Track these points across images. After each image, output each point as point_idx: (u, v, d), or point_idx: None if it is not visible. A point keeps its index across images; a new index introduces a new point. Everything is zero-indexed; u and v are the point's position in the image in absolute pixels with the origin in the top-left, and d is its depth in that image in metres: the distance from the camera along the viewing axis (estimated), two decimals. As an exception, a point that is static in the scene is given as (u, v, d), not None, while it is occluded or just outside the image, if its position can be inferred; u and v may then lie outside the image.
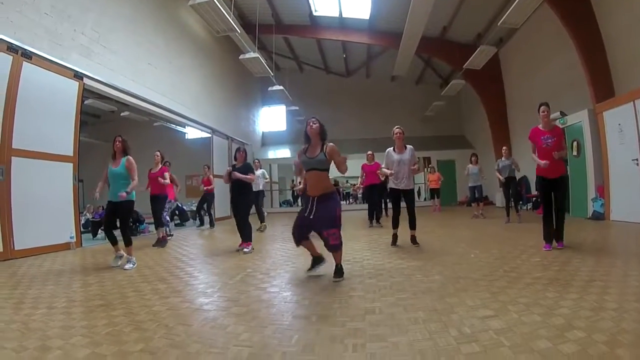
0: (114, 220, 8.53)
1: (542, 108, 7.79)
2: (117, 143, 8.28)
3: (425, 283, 5.49)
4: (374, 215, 14.58)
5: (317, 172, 6.14)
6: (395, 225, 9.30)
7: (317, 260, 6.44)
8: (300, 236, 6.30)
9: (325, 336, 3.69)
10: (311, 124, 6.30)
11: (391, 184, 9.33)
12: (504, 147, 14.64)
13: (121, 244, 8.27)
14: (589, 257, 6.83)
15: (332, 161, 6.17)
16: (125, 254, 8.27)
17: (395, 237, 9.26)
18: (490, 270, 6.11)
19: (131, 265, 7.77)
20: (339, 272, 6.08)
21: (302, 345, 3.52)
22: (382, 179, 13.88)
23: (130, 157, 8.28)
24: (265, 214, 16.79)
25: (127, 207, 8.29)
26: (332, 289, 5.43)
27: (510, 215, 13.88)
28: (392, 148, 9.28)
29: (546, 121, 7.82)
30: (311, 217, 6.02)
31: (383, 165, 9.55)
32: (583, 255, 6.95)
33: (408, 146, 9.21)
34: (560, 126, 14.68)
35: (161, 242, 11.31)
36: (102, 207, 14.58)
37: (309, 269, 6.36)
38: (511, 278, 5.49)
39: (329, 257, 6.34)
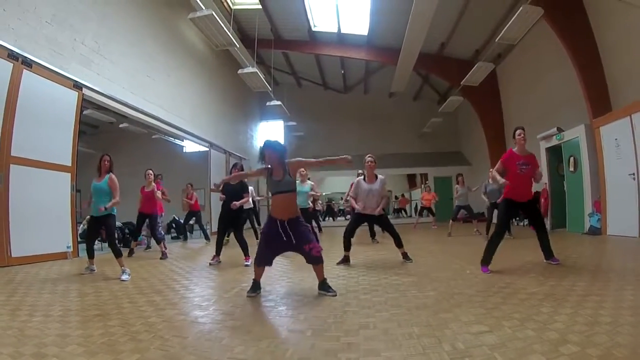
0: (95, 234, 8.75)
1: (518, 131, 7.79)
2: (105, 162, 8.43)
3: (420, 299, 5.49)
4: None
5: (286, 195, 6.09)
6: (347, 247, 9.29)
7: (258, 286, 6.29)
8: (268, 260, 6.22)
9: (320, 350, 3.69)
10: (267, 154, 6.15)
11: (358, 209, 9.29)
12: (490, 170, 14.67)
13: (104, 256, 8.38)
14: (585, 272, 6.86)
15: (298, 170, 6.10)
16: (95, 268, 8.56)
17: (346, 258, 9.20)
18: (485, 286, 6.12)
19: (127, 277, 7.77)
20: (327, 286, 6.06)
21: (296, 359, 3.54)
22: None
23: (113, 175, 8.40)
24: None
25: (110, 221, 8.37)
26: (327, 304, 5.42)
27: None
28: (362, 177, 9.31)
29: (522, 144, 7.79)
30: (293, 242, 5.95)
31: (351, 194, 9.58)
32: (579, 270, 6.98)
33: (379, 176, 9.25)
34: (558, 142, 14.79)
35: (164, 255, 11.36)
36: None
37: (250, 292, 6.13)
38: (506, 294, 5.49)
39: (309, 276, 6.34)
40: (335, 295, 5.86)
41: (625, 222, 12.15)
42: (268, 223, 6.15)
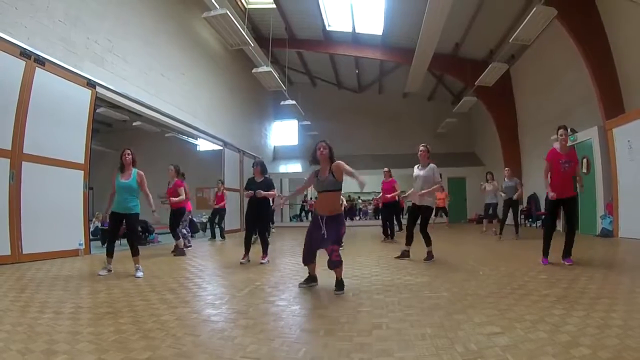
0: (117, 231, 8.57)
1: (561, 131, 7.94)
2: (127, 156, 8.29)
3: (433, 299, 5.49)
4: (388, 231, 14.57)
5: (328, 194, 6.24)
6: (409, 242, 9.38)
7: (313, 279, 6.55)
8: (311, 257, 6.41)
9: (333, 350, 3.69)
10: (321, 149, 6.29)
11: (412, 199, 9.41)
12: (506, 168, 14.68)
13: (125, 253, 8.34)
14: (597, 274, 6.85)
15: (344, 175, 6.20)
16: (112, 269, 8.29)
17: (406, 252, 9.24)
18: (498, 287, 6.12)
19: (141, 274, 7.82)
20: (340, 285, 6.17)
21: (309, 358, 3.53)
22: (397, 197, 13.96)
23: (140, 171, 8.34)
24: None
25: (135, 219, 8.35)
26: (340, 304, 5.44)
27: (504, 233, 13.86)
28: (418, 166, 9.43)
29: (564, 144, 7.96)
30: (325, 236, 6.10)
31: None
32: (591, 273, 6.96)
33: (430, 164, 9.26)
34: (571, 143, 14.74)
35: (181, 251, 11.47)
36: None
37: (302, 283, 6.50)
38: (518, 295, 5.48)
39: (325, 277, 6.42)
40: (342, 293, 6.00)
41: (637, 225, 12.10)
42: (312, 220, 6.45)
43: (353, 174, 6.22)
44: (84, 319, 4.76)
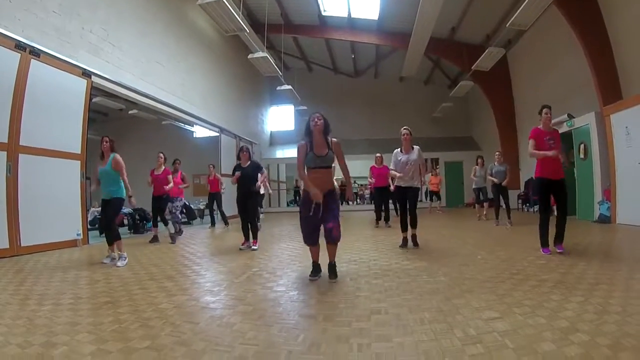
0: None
1: (545, 110, 7.89)
2: (105, 143, 8.38)
3: (431, 284, 5.50)
4: (382, 216, 14.68)
5: (326, 170, 6.07)
6: (404, 228, 9.16)
7: (319, 268, 6.34)
8: (314, 236, 6.19)
9: (331, 335, 3.71)
10: (316, 120, 6.06)
11: (397, 182, 9.26)
12: (497, 152, 14.68)
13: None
14: (595, 260, 6.84)
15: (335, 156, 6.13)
16: (119, 253, 8.32)
17: (405, 240, 9.13)
18: (496, 272, 6.12)
19: (124, 262, 7.91)
20: (333, 268, 6.16)
21: (308, 344, 3.54)
22: (390, 181, 13.89)
23: (117, 155, 8.33)
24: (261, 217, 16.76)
25: (117, 203, 8.37)
26: (338, 289, 5.45)
27: (500, 218, 13.86)
28: (399, 149, 9.20)
29: (547, 123, 7.92)
30: (319, 215, 5.93)
31: (391, 167, 9.40)
32: (589, 259, 6.96)
33: (415, 146, 9.14)
34: (568, 128, 14.68)
35: (173, 238, 11.54)
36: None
37: (311, 276, 6.24)
38: (517, 280, 5.50)
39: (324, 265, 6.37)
40: (336, 280, 5.97)
41: (635, 211, 12.11)
42: (303, 198, 6.17)
43: (343, 159, 6.24)
44: (83, 309, 4.77)
